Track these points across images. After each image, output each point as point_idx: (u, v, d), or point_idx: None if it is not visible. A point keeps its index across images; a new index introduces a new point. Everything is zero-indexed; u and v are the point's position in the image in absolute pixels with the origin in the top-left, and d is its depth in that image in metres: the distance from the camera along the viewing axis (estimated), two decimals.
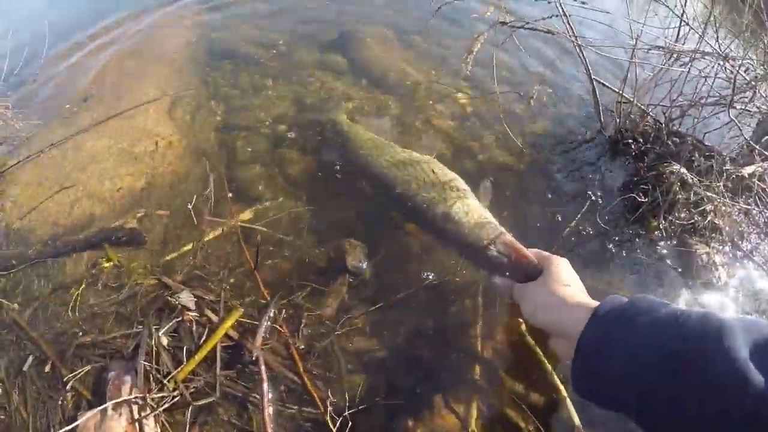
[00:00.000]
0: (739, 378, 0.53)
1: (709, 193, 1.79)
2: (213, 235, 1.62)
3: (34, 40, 2.40)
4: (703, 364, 0.57)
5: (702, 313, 0.62)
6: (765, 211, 1.89)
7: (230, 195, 1.73)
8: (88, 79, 2.24)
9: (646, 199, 1.81)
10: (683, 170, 1.84)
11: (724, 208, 1.82)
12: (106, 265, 1.60)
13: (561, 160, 2.09)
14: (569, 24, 2.00)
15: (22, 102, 2.16)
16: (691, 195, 1.80)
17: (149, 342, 1.36)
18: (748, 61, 1.90)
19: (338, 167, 1.88)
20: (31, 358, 1.40)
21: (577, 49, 2.04)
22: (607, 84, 2.22)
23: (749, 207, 1.84)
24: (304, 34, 2.64)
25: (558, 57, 2.19)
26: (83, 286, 1.55)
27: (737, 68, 1.83)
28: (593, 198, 1.90)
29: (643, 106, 2.07)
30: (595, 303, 0.82)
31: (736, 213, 1.86)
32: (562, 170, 2.04)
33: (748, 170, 1.84)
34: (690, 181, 1.82)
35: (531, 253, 1.22)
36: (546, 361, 1.41)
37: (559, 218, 1.81)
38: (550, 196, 1.91)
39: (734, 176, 1.83)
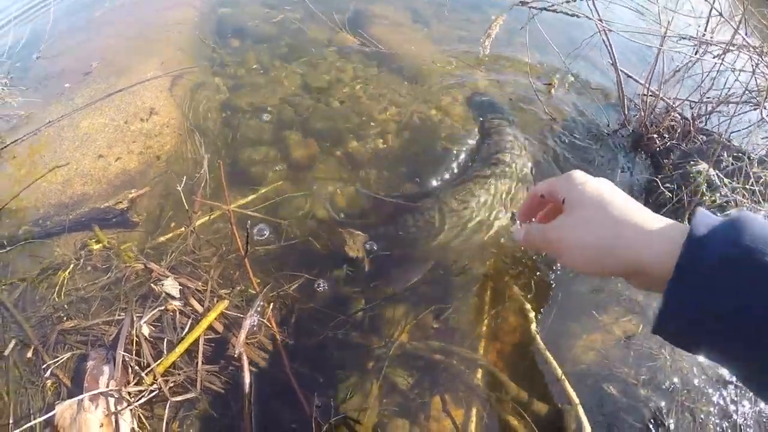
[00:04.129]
0: None
1: (737, 196, 1.62)
2: (203, 220, 1.53)
3: (38, 15, 2.35)
4: None
5: None
6: None
7: (224, 180, 1.62)
8: (90, 55, 2.17)
9: (671, 198, 1.65)
10: (712, 170, 1.66)
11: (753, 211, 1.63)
12: (96, 246, 1.52)
13: (580, 153, 1.91)
14: (595, 7, 1.82)
15: (23, 79, 2.11)
16: (718, 197, 1.63)
17: (130, 331, 1.28)
18: None
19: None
20: (13, 342, 1.34)
21: (603, 35, 1.85)
22: (632, 75, 2.03)
23: None
24: (316, 12, 2.49)
25: (582, 43, 2.01)
26: (71, 267, 1.48)
27: None
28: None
29: (669, 100, 1.89)
30: (671, 221, 0.61)
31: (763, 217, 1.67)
32: (583, 165, 1.87)
33: None
34: (718, 182, 1.65)
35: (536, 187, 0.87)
36: (557, 367, 1.28)
37: None
38: None
39: (762, 179, 1.65)
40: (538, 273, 1.50)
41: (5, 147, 1.83)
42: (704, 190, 1.64)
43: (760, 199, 1.65)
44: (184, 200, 1.45)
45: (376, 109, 1.99)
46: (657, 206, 1.65)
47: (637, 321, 1.44)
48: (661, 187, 1.69)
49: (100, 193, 1.64)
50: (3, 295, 1.45)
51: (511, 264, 1.52)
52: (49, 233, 1.58)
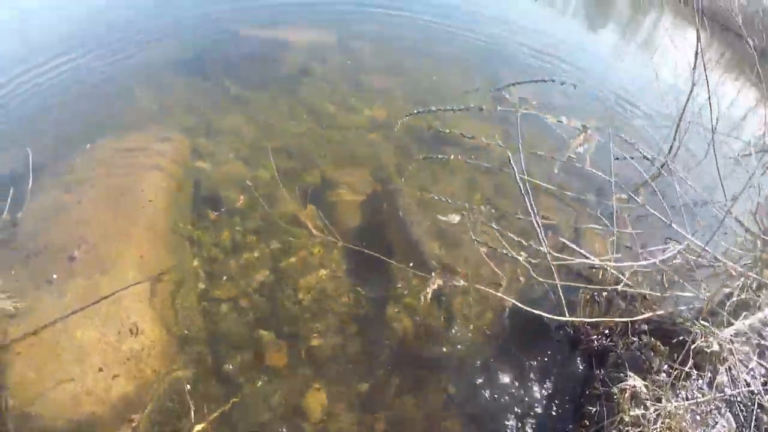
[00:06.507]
0: None
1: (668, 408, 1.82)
2: None
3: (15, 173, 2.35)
4: None
5: None
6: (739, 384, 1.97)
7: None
8: (69, 232, 2.29)
9: (595, 418, 1.90)
10: (640, 383, 1.88)
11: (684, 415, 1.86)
12: None
13: (516, 358, 2.25)
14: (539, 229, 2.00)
15: (8, 253, 2.24)
16: (647, 410, 1.83)
17: None
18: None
19: None
20: None
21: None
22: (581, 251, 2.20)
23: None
24: (288, 172, 2.54)
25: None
26: None
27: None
28: (542, 408, 2.10)
29: (619, 274, 2.03)
30: None
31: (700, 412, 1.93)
32: (516, 371, 2.20)
33: (722, 336, 1.90)
34: (644, 396, 1.86)
35: None
36: None
37: None
38: (498, 403, 2.12)
39: (704, 351, 1.88)
40: None
41: (9, 344, 2.08)
42: (627, 408, 1.80)
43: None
44: None
45: (336, 302, 2.30)
46: (581, 426, 1.94)
47: None
48: (585, 406, 1.95)
49: (105, 413, 2.00)
50: None
51: None
52: None
